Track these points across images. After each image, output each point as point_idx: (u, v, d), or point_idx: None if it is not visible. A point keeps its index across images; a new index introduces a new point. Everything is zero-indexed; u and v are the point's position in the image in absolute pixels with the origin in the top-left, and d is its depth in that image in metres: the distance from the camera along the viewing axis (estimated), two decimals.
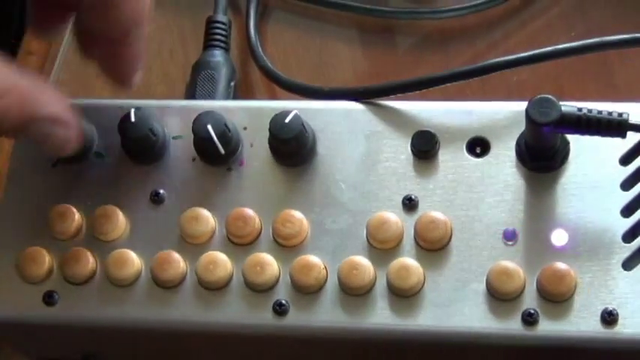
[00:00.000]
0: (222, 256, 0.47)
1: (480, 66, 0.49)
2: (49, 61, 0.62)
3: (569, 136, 0.47)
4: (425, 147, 0.48)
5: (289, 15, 0.61)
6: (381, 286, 0.46)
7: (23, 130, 0.43)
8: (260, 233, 0.48)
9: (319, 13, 0.60)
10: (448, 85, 0.50)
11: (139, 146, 0.49)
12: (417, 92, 0.50)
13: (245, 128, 0.49)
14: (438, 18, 0.59)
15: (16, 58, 0.62)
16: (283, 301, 0.46)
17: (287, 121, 0.47)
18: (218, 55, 0.56)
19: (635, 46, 0.49)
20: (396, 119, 0.49)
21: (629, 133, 0.45)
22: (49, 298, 0.48)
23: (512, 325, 0.45)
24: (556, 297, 0.44)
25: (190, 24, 0.60)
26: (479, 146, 0.48)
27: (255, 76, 0.59)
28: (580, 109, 0.44)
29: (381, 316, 0.46)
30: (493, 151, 0.47)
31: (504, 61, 0.49)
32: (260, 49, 0.57)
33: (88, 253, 0.48)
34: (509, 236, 0.46)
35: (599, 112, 0.44)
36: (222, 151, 0.48)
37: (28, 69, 0.61)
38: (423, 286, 0.46)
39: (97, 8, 0.44)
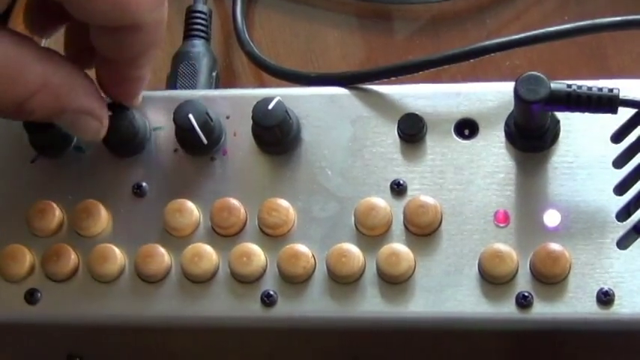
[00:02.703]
0: (207, 248, 0.46)
1: (470, 49, 0.48)
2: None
3: (560, 115, 0.46)
4: (412, 130, 0.47)
5: None
6: (370, 274, 0.45)
7: (54, 120, 0.44)
8: (245, 223, 0.47)
9: None
10: (439, 70, 0.49)
11: (119, 139, 0.48)
12: (407, 77, 0.49)
13: (227, 117, 0.48)
14: (429, 2, 0.58)
15: None
16: (271, 292, 0.45)
17: (270, 108, 0.46)
18: (198, 45, 0.55)
19: (628, 29, 0.48)
20: (382, 103, 0.48)
21: (621, 110, 0.44)
22: (30, 297, 0.47)
23: (506, 309, 0.44)
24: (550, 278, 0.44)
25: (174, 12, 0.59)
26: (467, 128, 0.47)
27: (241, 63, 0.58)
28: (569, 86, 0.43)
29: (371, 304, 0.45)
30: (482, 132, 0.47)
31: (495, 44, 0.48)
32: (246, 34, 0.56)
33: (70, 250, 0.47)
34: (501, 218, 0.45)
35: (589, 89, 0.44)
36: (205, 141, 0.47)
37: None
38: (414, 272, 0.45)
39: (113, 32, 0.41)
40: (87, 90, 0.43)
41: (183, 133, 0.47)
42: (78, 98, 0.43)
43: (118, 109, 0.47)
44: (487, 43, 0.48)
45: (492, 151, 0.46)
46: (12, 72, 0.40)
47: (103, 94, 0.45)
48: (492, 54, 0.48)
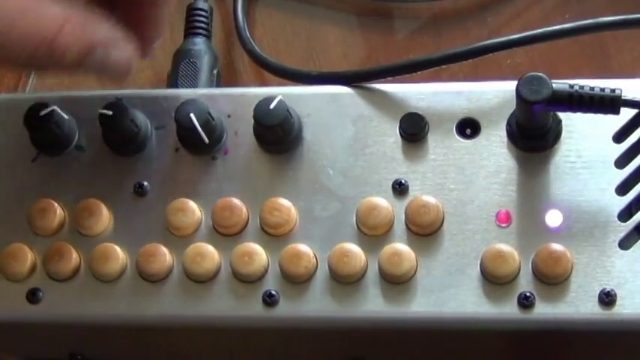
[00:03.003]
0: (209, 248, 0.46)
1: (471, 48, 0.48)
2: None
3: (562, 115, 0.46)
4: (414, 130, 0.47)
5: None
6: (372, 274, 0.45)
7: (85, 59, 0.42)
8: (247, 223, 0.47)
9: None
10: (440, 69, 0.49)
11: (121, 138, 0.48)
12: (409, 76, 0.49)
13: (229, 116, 0.48)
14: (430, 0, 0.58)
15: None
16: (273, 292, 0.45)
17: (271, 107, 0.46)
18: (199, 43, 0.55)
19: (630, 28, 0.48)
20: (383, 102, 0.48)
21: (623, 110, 0.44)
22: (32, 296, 0.47)
23: (508, 309, 0.44)
24: (552, 279, 0.44)
25: (175, 10, 0.59)
26: (469, 127, 0.47)
27: (242, 62, 0.58)
28: (572, 86, 0.43)
29: (373, 304, 0.45)
30: (484, 132, 0.47)
31: (497, 43, 0.48)
32: (247, 33, 0.56)
33: (72, 249, 0.47)
34: (503, 218, 0.45)
35: (592, 89, 0.43)
36: (206, 140, 0.47)
37: None
38: (415, 272, 0.45)
39: None
40: (108, 20, 0.42)
41: (185, 132, 0.47)
42: (102, 28, 0.42)
43: (119, 109, 0.47)
44: (488, 42, 0.48)
45: (494, 150, 0.46)
46: (34, 5, 0.40)
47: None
48: (494, 53, 0.48)
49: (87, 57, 0.42)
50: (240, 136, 0.48)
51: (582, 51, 0.55)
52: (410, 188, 0.46)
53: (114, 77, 0.44)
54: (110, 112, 0.47)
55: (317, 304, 0.45)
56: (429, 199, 0.45)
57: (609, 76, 0.52)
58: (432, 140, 0.47)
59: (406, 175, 0.46)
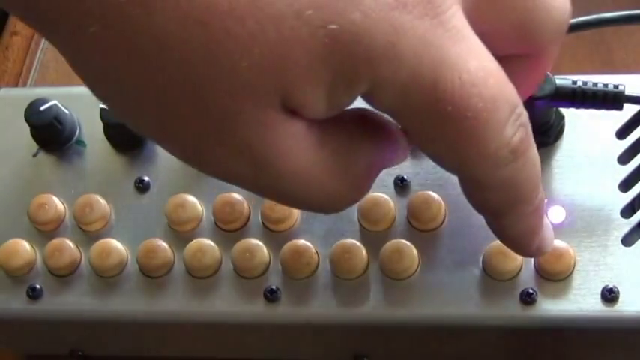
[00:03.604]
0: (210, 243, 0.46)
1: None
2: (34, 41, 0.61)
3: (564, 110, 0.45)
4: None
5: None
6: (374, 270, 0.45)
7: None
8: (248, 219, 0.46)
9: None
10: None
11: (122, 133, 0.48)
12: None
13: None
14: None
15: (1, 39, 0.61)
16: (274, 288, 0.45)
17: None
18: None
19: (632, 23, 0.48)
20: None
21: (626, 106, 0.44)
22: (32, 292, 0.46)
23: (510, 306, 0.43)
24: (554, 275, 0.43)
25: None
26: None
27: None
28: (575, 82, 0.43)
29: (374, 301, 0.44)
30: None
31: None
32: None
33: (72, 244, 0.47)
34: None
35: (595, 85, 0.43)
36: None
37: (14, 49, 0.60)
38: (417, 268, 0.45)
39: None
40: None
41: None
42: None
43: None
44: None
45: None
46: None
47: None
48: None
49: None
50: None
51: (584, 46, 0.55)
52: (412, 184, 0.46)
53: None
54: None
55: (318, 301, 0.45)
56: (431, 195, 0.45)
57: (612, 72, 0.52)
58: None
59: (408, 171, 0.46)
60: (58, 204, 0.47)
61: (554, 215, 0.44)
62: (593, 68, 0.54)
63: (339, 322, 0.45)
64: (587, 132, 0.46)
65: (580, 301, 0.43)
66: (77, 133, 0.49)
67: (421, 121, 0.31)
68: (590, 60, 0.55)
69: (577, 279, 0.43)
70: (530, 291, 0.43)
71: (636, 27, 0.49)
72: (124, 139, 0.48)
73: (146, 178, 0.48)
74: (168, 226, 0.47)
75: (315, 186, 0.33)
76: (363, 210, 0.45)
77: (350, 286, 0.45)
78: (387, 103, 0.31)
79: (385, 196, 0.45)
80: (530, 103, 0.43)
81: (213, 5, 0.28)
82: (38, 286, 0.46)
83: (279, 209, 0.46)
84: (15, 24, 0.61)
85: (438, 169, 0.45)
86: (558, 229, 0.44)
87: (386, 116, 0.33)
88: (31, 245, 0.47)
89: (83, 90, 0.48)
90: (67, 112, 0.48)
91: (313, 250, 0.45)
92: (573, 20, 0.48)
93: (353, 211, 0.45)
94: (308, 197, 0.33)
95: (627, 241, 0.44)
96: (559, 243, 0.43)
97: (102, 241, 0.46)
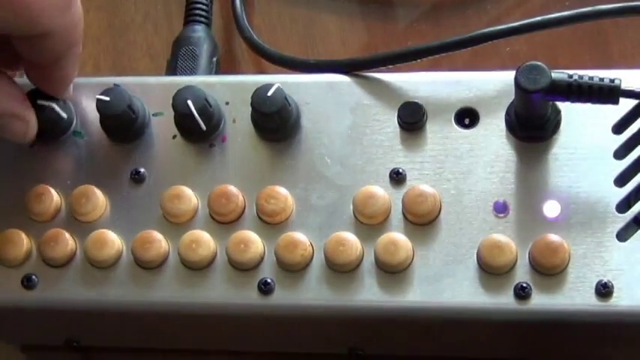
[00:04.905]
0: (205, 235, 0.46)
1: (470, 36, 0.48)
2: None
3: (561, 105, 0.45)
4: (412, 119, 0.46)
5: None
6: (368, 263, 0.45)
7: None
8: (244, 211, 0.46)
9: None
10: (439, 57, 0.48)
11: (118, 124, 0.48)
12: (407, 64, 0.48)
13: (227, 103, 0.48)
14: None
15: None
16: (268, 280, 0.45)
17: (269, 94, 0.46)
18: (199, 31, 0.55)
19: (630, 15, 0.48)
20: (382, 91, 0.47)
21: (622, 101, 0.43)
22: (27, 282, 0.47)
23: (504, 300, 0.43)
24: (549, 270, 0.43)
25: None
26: (467, 117, 0.47)
27: (241, 50, 0.57)
28: (571, 76, 0.43)
29: (369, 293, 0.44)
30: (482, 121, 0.46)
31: (496, 31, 0.48)
32: (245, 20, 0.55)
33: (67, 235, 0.47)
34: (500, 208, 0.45)
35: (591, 79, 0.43)
36: (204, 128, 0.47)
37: None
38: (412, 262, 0.45)
39: (27, 39, 0.42)
40: (7, 93, 0.44)
41: (182, 119, 0.47)
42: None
43: (117, 95, 0.46)
44: (488, 30, 0.48)
45: (493, 140, 0.46)
46: None
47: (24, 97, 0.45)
48: (493, 41, 0.48)
49: None
50: (238, 123, 0.48)
51: (582, 38, 0.54)
52: (407, 177, 0.46)
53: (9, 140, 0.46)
54: (108, 98, 0.47)
55: (312, 293, 0.45)
56: (427, 188, 0.45)
57: (609, 64, 0.52)
58: (431, 129, 0.46)
59: (404, 164, 0.46)
60: (54, 194, 0.47)
61: (550, 209, 0.44)
62: (591, 60, 0.54)
63: (334, 314, 0.45)
64: (584, 126, 0.45)
65: (574, 295, 0.43)
66: (74, 123, 0.49)
67: None
68: (588, 52, 0.55)
69: (571, 273, 0.43)
70: (525, 285, 0.43)
71: (634, 19, 0.49)
72: (121, 130, 0.48)
73: (142, 170, 0.48)
74: (163, 218, 0.47)
75: None
76: (359, 202, 0.45)
77: (344, 278, 0.45)
78: None
79: (380, 189, 0.45)
80: (526, 97, 0.43)
81: None
82: (33, 276, 0.47)
83: (275, 202, 0.46)
84: None
85: (435, 162, 0.46)
86: (554, 223, 0.44)
87: None
88: (27, 235, 0.47)
89: (80, 81, 0.49)
90: (63, 102, 0.48)
91: (308, 243, 0.45)
92: (570, 12, 0.48)
93: (348, 203, 0.45)
94: None
95: (622, 236, 0.44)
96: (554, 237, 0.43)
97: (97, 231, 0.46)
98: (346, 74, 0.48)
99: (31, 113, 0.46)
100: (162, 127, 0.48)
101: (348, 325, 0.46)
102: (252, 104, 0.46)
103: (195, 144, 0.48)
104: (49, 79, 0.46)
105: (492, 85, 0.47)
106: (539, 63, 0.43)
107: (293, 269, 0.45)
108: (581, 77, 0.43)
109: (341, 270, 0.45)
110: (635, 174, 0.44)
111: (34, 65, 0.45)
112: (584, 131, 0.45)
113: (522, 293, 0.43)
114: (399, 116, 0.47)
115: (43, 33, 0.42)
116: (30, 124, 0.46)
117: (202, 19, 0.56)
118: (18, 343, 0.53)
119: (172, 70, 0.54)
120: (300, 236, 0.45)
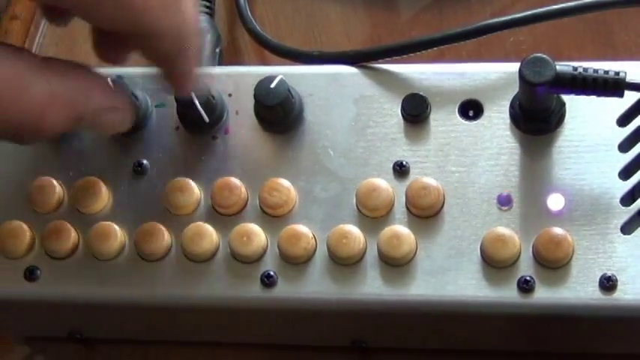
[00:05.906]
0: (207, 227, 0.46)
1: (474, 27, 0.48)
2: (33, 25, 0.61)
3: (565, 97, 0.45)
4: (416, 111, 0.46)
5: None
6: (371, 256, 0.45)
7: (74, 129, 0.41)
8: (246, 203, 0.46)
9: None
10: (443, 49, 0.48)
11: None
12: (411, 55, 0.48)
13: (230, 95, 0.48)
14: None
15: (0, 23, 0.61)
16: (271, 272, 0.45)
17: (272, 86, 0.46)
18: (202, 21, 0.55)
19: (634, 6, 0.48)
20: (385, 83, 0.47)
21: (627, 93, 0.43)
22: (30, 274, 0.47)
23: (507, 293, 0.43)
24: (553, 263, 0.43)
25: None
26: (471, 109, 0.46)
27: (244, 41, 0.57)
28: (575, 69, 0.43)
29: (372, 286, 0.44)
30: (486, 113, 0.46)
31: (500, 22, 0.48)
32: (248, 11, 0.55)
33: (70, 227, 0.47)
34: (504, 201, 0.45)
35: (595, 71, 0.43)
36: (207, 119, 0.47)
37: (13, 34, 0.60)
38: (415, 255, 0.44)
39: (138, 37, 0.40)
40: (99, 87, 0.41)
41: (185, 110, 0.47)
42: (92, 99, 0.41)
43: (119, 86, 0.46)
44: (492, 21, 0.48)
45: (497, 132, 0.46)
46: (13, 91, 0.38)
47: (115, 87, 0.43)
48: (497, 32, 0.48)
49: (76, 127, 0.41)
50: (242, 115, 0.48)
51: (586, 28, 0.54)
52: (411, 170, 0.46)
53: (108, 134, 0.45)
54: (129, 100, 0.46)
55: (315, 286, 0.45)
56: (430, 180, 0.45)
57: (613, 55, 0.52)
58: (434, 121, 0.46)
59: (407, 156, 0.46)
60: (57, 187, 0.47)
61: (554, 202, 0.44)
62: (595, 51, 0.54)
63: (336, 307, 0.45)
64: (588, 119, 0.45)
65: (578, 289, 0.43)
66: None
67: None
68: (591, 43, 0.54)
69: (575, 267, 0.43)
70: (528, 278, 0.43)
71: (638, 10, 0.48)
72: None
73: (144, 162, 0.47)
74: (166, 210, 0.47)
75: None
76: (362, 195, 0.45)
77: (347, 271, 0.45)
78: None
79: (384, 182, 0.45)
80: (530, 90, 0.43)
81: None
82: (36, 268, 0.46)
83: (277, 194, 0.45)
84: (14, 8, 0.61)
85: (438, 154, 0.45)
86: (558, 216, 0.44)
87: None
88: (30, 227, 0.47)
89: None
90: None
91: (311, 235, 0.45)
92: (574, 3, 0.47)
93: (351, 196, 0.45)
94: None
95: (627, 229, 0.43)
96: (558, 230, 0.43)
97: (100, 223, 0.46)
98: (350, 66, 0.48)
99: (126, 100, 0.43)
100: (165, 118, 0.48)
101: (351, 318, 0.46)
102: (255, 96, 0.46)
103: (198, 136, 0.47)
104: (169, 76, 0.43)
105: (496, 76, 0.46)
106: (543, 55, 0.42)
107: (296, 262, 0.45)
108: (585, 70, 0.43)
109: (344, 263, 0.45)
110: None
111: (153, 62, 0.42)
112: (588, 124, 0.45)
113: (526, 286, 0.43)
114: (402, 108, 0.46)
115: (148, 33, 0.39)
116: (127, 111, 0.43)
117: (205, 9, 0.55)
118: (21, 335, 0.53)
119: None
120: (303, 229, 0.45)
